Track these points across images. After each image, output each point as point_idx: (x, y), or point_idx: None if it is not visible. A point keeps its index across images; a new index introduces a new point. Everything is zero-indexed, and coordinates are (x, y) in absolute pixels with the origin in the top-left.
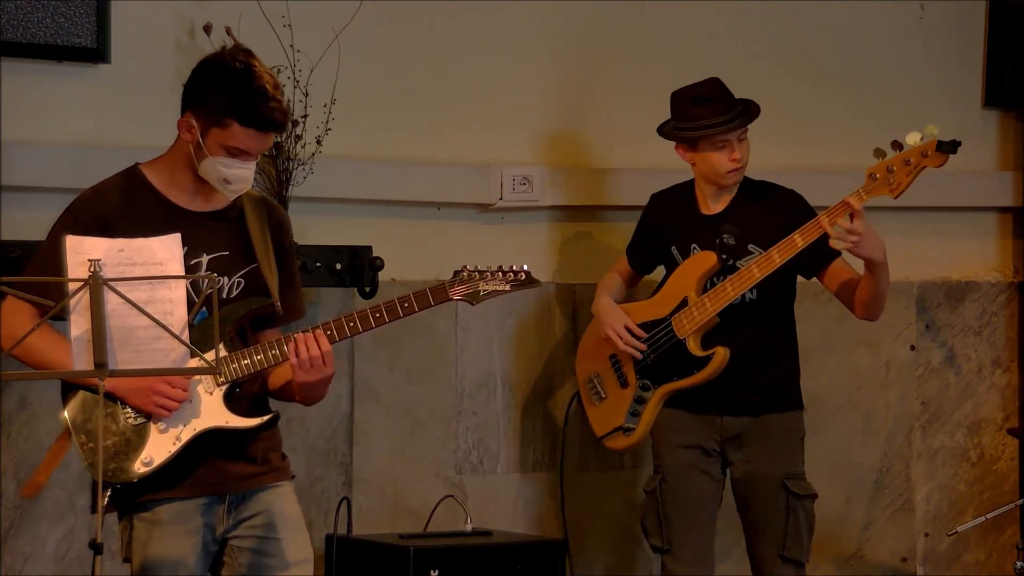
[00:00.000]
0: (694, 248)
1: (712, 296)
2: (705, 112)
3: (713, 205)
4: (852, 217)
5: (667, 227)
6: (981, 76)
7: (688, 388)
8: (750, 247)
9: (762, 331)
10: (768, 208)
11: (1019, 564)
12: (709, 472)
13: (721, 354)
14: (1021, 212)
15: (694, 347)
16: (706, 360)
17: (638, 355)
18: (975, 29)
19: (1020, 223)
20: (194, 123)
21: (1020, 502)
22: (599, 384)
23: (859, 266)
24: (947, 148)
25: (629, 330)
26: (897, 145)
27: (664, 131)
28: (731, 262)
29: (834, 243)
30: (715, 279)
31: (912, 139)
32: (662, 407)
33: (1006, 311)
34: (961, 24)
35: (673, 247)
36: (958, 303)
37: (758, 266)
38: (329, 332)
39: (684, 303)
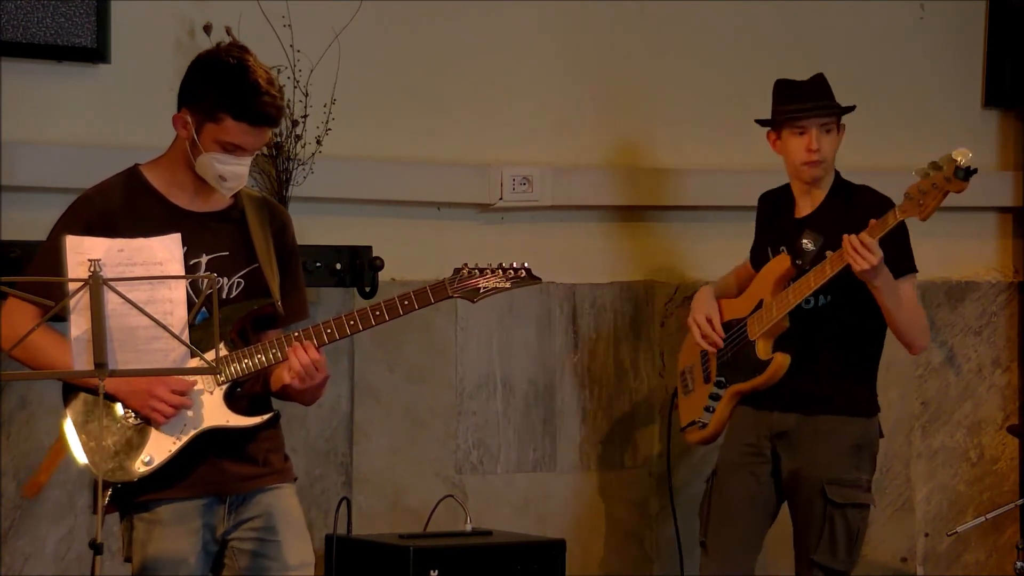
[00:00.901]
0: (782, 250)
1: (778, 301)
2: (793, 96)
3: (804, 207)
4: (868, 247)
5: (767, 227)
6: (981, 76)
7: (752, 390)
8: (827, 253)
9: (828, 335)
10: (853, 213)
11: (1019, 564)
12: (757, 474)
13: (779, 360)
14: (1021, 212)
15: (760, 350)
16: (766, 364)
17: (711, 348)
18: (975, 29)
19: (1020, 223)
20: (189, 119)
21: (1020, 502)
22: (689, 376)
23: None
24: (961, 176)
25: (710, 322)
26: (935, 165)
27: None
28: (807, 268)
29: (847, 252)
30: (792, 283)
31: (945, 160)
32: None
33: (1006, 311)
34: (961, 24)
35: (769, 247)
36: (958, 303)
37: (814, 274)
38: (329, 331)
39: (759, 305)
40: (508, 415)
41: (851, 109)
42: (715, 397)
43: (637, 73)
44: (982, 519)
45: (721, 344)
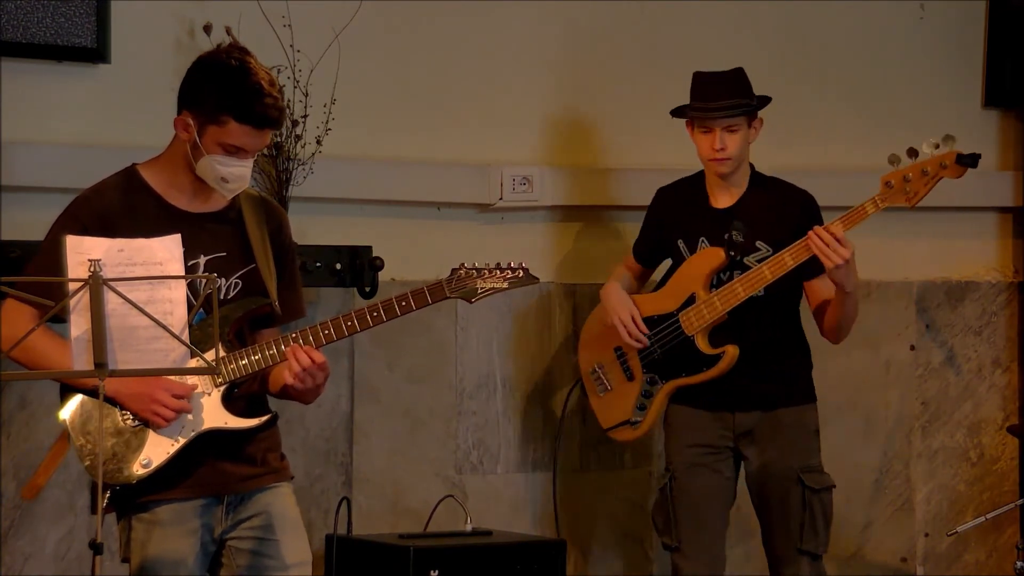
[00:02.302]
0: (702, 242)
1: (722, 295)
2: (702, 94)
3: (722, 199)
4: (840, 241)
5: (674, 220)
6: (981, 76)
7: (696, 384)
8: (758, 244)
9: (770, 327)
10: (779, 206)
11: (1019, 564)
12: (719, 470)
13: (731, 352)
14: (1021, 212)
15: (703, 344)
16: (716, 358)
17: (639, 346)
18: (975, 29)
19: (1020, 223)
20: (190, 121)
21: (1020, 502)
22: (603, 375)
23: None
24: (967, 161)
25: (634, 320)
26: (912, 152)
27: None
28: (739, 258)
29: (817, 247)
30: (722, 275)
31: (928, 147)
32: (675, 404)
33: (1006, 311)
34: (961, 24)
35: (680, 240)
36: (958, 303)
37: (770, 268)
38: (327, 332)
39: (691, 300)
40: (508, 415)
41: (755, 105)
42: (647, 395)
43: (637, 73)
44: (982, 519)
45: (647, 343)
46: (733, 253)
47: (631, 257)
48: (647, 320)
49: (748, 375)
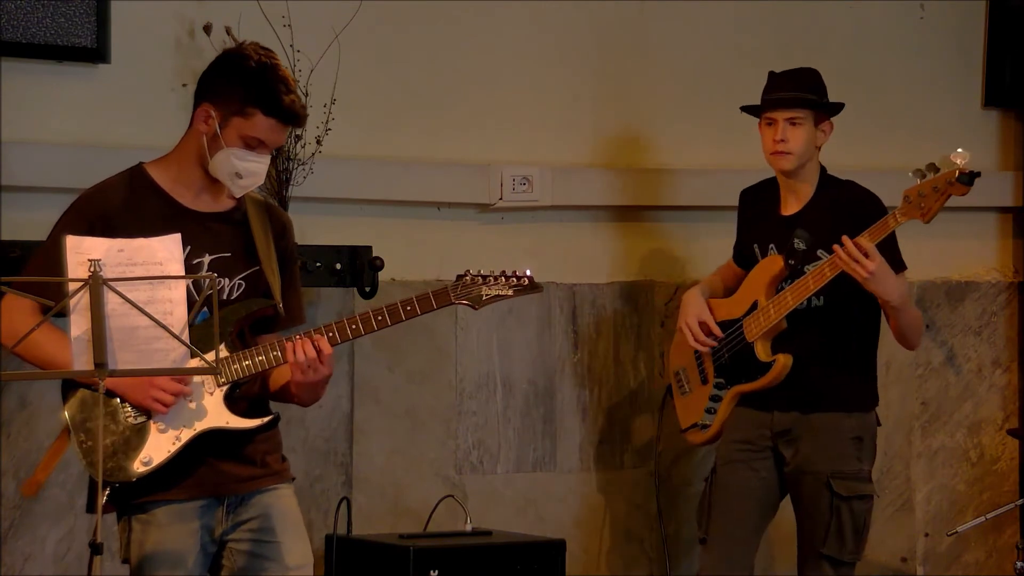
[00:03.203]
0: (771, 248)
1: (776, 302)
2: (769, 86)
3: (791, 204)
4: (867, 253)
5: (751, 224)
6: (981, 76)
7: (755, 391)
8: (819, 252)
9: (825, 336)
10: (840, 212)
11: (1019, 564)
12: (756, 468)
13: (781, 362)
14: (1021, 212)
15: (760, 351)
16: (768, 366)
17: (704, 349)
18: (975, 29)
19: (1020, 223)
20: (213, 113)
21: (1020, 502)
22: (684, 378)
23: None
24: (964, 180)
25: (703, 324)
26: (933, 168)
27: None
28: (800, 267)
29: (843, 261)
30: (784, 283)
31: (945, 163)
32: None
33: (1006, 311)
34: (961, 24)
35: (755, 245)
36: (958, 303)
37: (812, 277)
38: (331, 334)
39: (755, 306)
40: (508, 415)
41: (828, 105)
42: (716, 399)
43: (637, 73)
44: (982, 519)
45: (714, 344)
46: (792, 262)
47: (731, 261)
48: (721, 324)
49: (791, 378)
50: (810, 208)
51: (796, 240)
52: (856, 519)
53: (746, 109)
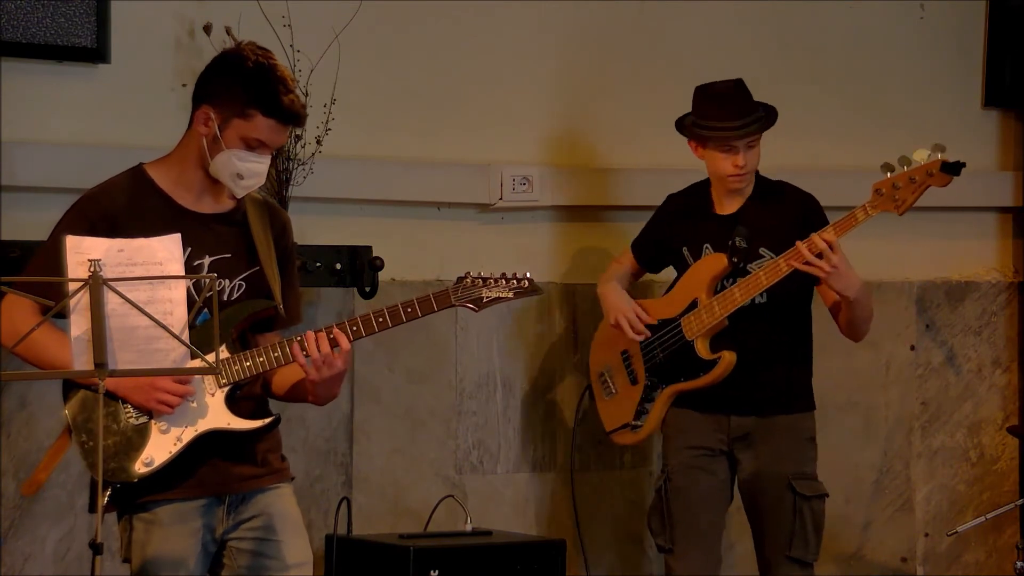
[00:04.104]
0: (706, 248)
1: (720, 300)
2: (719, 113)
3: (727, 205)
4: (832, 247)
5: (679, 227)
6: (981, 76)
7: (695, 390)
8: (761, 250)
9: (770, 333)
10: (781, 211)
11: (1019, 564)
12: (715, 472)
13: (727, 358)
14: (1021, 212)
15: (702, 349)
16: (712, 363)
17: (641, 339)
18: (975, 29)
19: (1020, 223)
20: (212, 115)
21: (1020, 502)
22: (609, 378)
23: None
24: (951, 170)
25: (639, 316)
26: (905, 161)
27: (683, 124)
28: (742, 265)
29: (806, 259)
30: (726, 281)
31: (919, 156)
32: (673, 407)
33: (1006, 311)
34: (961, 24)
35: (684, 248)
36: (958, 303)
37: (765, 273)
38: (331, 336)
39: (694, 305)
40: (508, 415)
41: (774, 122)
42: (648, 399)
43: (637, 73)
44: (982, 519)
45: (649, 334)
46: (736, 259)
47: (628, 253)
48: (652, 326)
49: (746, 380)
50: (748, 207)
51: (737, 238)
52: (816, 519)
53: (685, 130)
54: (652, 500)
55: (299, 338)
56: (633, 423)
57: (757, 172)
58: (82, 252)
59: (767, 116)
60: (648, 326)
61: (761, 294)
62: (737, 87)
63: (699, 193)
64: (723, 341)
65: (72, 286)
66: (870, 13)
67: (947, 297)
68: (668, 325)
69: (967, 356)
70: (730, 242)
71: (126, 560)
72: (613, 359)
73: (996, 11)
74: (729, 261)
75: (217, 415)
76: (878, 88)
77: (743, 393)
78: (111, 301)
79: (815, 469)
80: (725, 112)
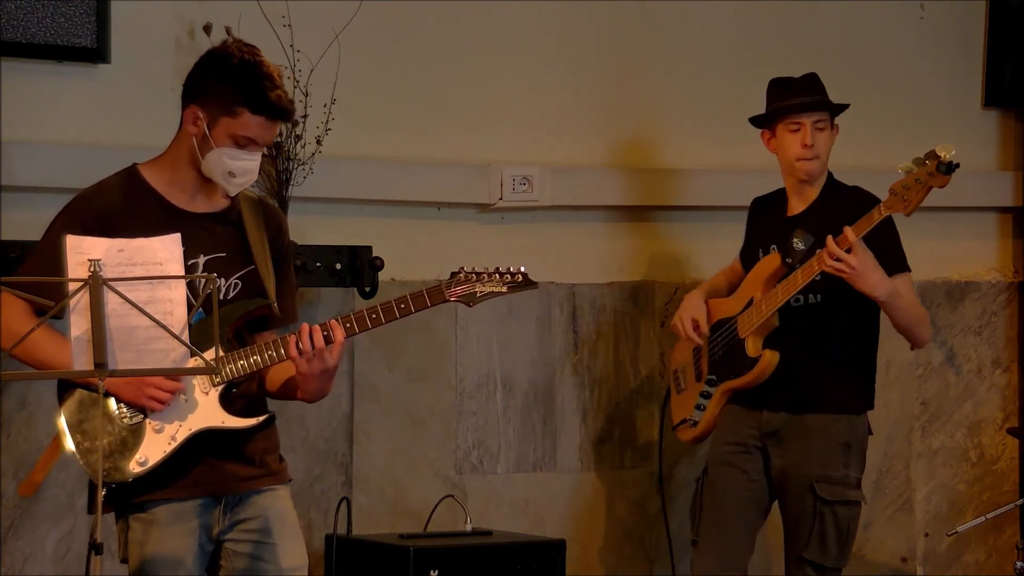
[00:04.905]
0: (772, 249)
1: (768, 298)
2: (788, 94)
3: (796, 206)
4: (850, 249)
5: (760, 230)
6: (981, 76)
7: (743, 387)
8: (818, 252)
9: (818, 333)
10: (845, 213)
11: (1019, 564)
12: (747, 470)
13: (767, 357)
14: (1021, 212)
15: (750, 347)
16: (755, 361)
17: (698, 341)
18: (975, 29)
19: (1020, 223)
20: (200, 115)
21: (1020, 502)
22: (682, 375)
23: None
24: (943, 170)
25: (694, 320)
26: (920, 161)
27: (755, 119)
28: (797, 265)
29: (826, 259)
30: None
31: (944, 151)
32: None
33: (1006, 311)
34: (961, 24)
35: (760, 250)
36: (958, 303)
37: (802, 273)
38: (326, 333)
39: (751, 303)
40: (508, 415)
41: (845, 107)
42: (705, 395)
43: (637, 73)
44: (982, 519)
45: (699, 341)
46: (789, 260)
47: (737, 261)
48: (717, 323)
49: (782, 377)
50: (813, 209)
51: (795, 240)
52: (840, 525)
53: (761, 116)
54: (693, 492)
55: (295, 336)
56: (692, 418)
57: (830, 175)
58: (82, 252)
59: (839, 104)
60: (715, 323)
61: (815, 294)
62: (811, 76)
63: (778, 195)
64: (774, 341)
65: (72, 286)
66: (870, 13)
67: (947, 297)
68: (728, 322)
69: (967, 356)
70: (787, 243)
71: (124, 560)
72: (687, 357)
73: (996, 11)
74: (783, 261)
75: (211, 413)
76: (878, 88)
77: (777, 389)
78: (111, 301)
79: (848, 474)
80: (795, 92)
